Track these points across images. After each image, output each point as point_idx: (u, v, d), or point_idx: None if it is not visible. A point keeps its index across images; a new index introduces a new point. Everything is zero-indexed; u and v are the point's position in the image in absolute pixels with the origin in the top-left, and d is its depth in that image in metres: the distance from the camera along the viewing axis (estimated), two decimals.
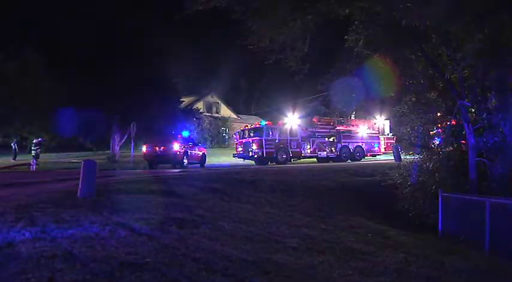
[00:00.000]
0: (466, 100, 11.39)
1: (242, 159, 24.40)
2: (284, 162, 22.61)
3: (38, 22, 28.77)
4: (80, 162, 9.22)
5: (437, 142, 13.12)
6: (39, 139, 29.43)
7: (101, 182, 10.45)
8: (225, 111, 44.40)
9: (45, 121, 29.91)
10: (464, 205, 10.09)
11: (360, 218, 10.69)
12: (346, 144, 25.72)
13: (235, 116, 44.76)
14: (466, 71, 11.28)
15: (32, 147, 21.54)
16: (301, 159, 24.78)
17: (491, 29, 10.09)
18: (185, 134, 21.53)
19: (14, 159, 26.57)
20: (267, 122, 24.25)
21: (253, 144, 22.55)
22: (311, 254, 5.86)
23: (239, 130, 25.94)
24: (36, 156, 21.69)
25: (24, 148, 31.84)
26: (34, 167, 20.51)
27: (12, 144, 28.93)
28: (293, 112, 26.53)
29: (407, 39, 11.62)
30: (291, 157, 23.48)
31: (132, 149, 23.05)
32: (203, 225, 6.65)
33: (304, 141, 24.36)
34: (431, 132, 13.34)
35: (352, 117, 27.78)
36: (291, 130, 23.91)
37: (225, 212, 8.39)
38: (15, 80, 31.14)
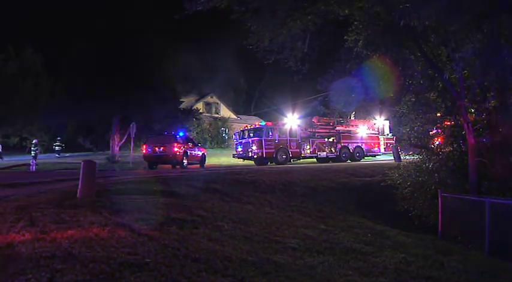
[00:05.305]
0: (466, 100, 11.39)
1: (242, 160, 24.39)
2: (284, 163, 22.61)
3: (38, 22, 28.77)
4: (80, 163, 9.21)
5: (437, 142, 13.11)
6: (58, 138, 29.50)
7: (100, 183, 10.45)
8: (225, 112, 44.40)
9: (45, 121, 29.94)
10: (464, 205, 10.10)
11: (360, 218, 10.71)
12: (346, 144, 25.72)
13: (234, 117, 44.75)
14: (466, 71, 11.28)
15: (32, 148, 21.47)
16: (301, 160, 24.79)
17: (490, 29, 10.09)
18: (180, 134, 21.50)
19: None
20: (266, 122, 24.22)
21: (253, 144, 22.54)
22: (311, 255, 5.87)
23: (239, 130, 25.92)
24: (36, 156, 21.58)
25: (24, 148, 31.88)
26: (34, 167, 20.48)
27: None
28: (293, 112, 26.53)
29: (406, 39, 11.63)
30: (291, 157, 23.48)
31: (131, 149, 23.06)
32: (203, 226, 6.65)
33: (304, 141, 24.37)
34: (431, 133, 13.34)
35: (352, 118, 27.76)
36: (290, 130, 23.91)
37: (225, 212, 8.39)
38: (15, 80, 31.18)
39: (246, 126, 25.05)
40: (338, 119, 26.14)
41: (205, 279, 4.09)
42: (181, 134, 21.36)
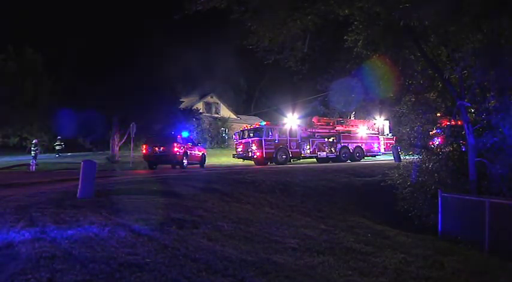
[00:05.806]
0: (466, 100, 11.40)
1: (242, 160, 24.38)
2: (284, 163, 22.60)
3: (38, 22, 28.76)
4: (80, 163, 9.22)
5: (437, 142, 13.12)
6: (58, 137, 29.51)
7: (100, 183, 10.45)
8: (225, 112, 44.37)
9: (45, 121, 29.95)
10: (464, 205, 10.10)
11: (360, 218, 10.71)
12: (346, 144, 25.70)
13: (234, 117, 44.71)
14: (466, 71, 11.29)
15: (32, 148, 21.47)
16: (301, 160, 24.78)
17: (490, 29, 10.10)
18: (185, 134, 21.50)
19: None
20: (266, 122, 24.21)
21: (253, 144, 22.54)
22: (311, 255, 5.86)
23: (239, 130, 25.90)
24: (36, 156, 21.59)
25: (24, 148, 31.86)
26: (33, 167, 20.47)
27: None
28: (292, 112, 26.53)
29: (406, 39, 11.64)
30: (291, 157, 23.48)
31: (131, 149, 23.06)
32: (203, 226, 6.65)
33: (304, 141, 24.37)
34: (430, 133, 13.34)
35: (352, 118, 27.77)
36: (290, 130, 23.90)
37: (224, 212, 8.40)
38: (15, 80, 31.18)
39: (246, 126, 25.04)
40: (338, 119, 26.16)
41: (205, 279, 4.09)
42: (186, 134, 21.33)
